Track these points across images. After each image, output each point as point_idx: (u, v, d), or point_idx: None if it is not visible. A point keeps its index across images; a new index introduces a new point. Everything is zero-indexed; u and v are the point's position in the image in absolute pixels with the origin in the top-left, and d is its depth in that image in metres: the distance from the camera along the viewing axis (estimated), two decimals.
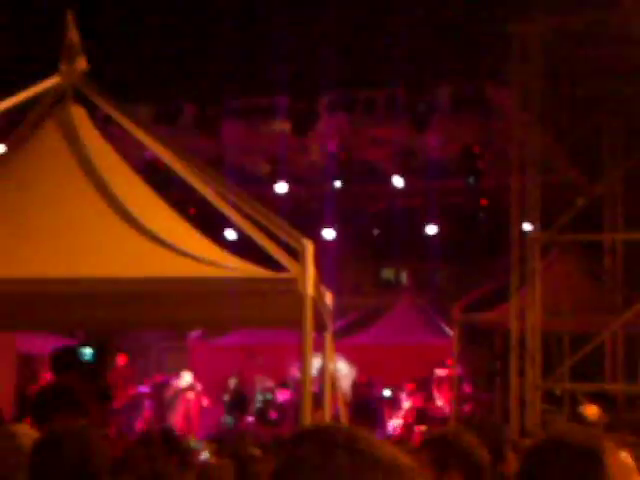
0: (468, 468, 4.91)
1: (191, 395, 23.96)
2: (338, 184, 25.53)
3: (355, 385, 25.52)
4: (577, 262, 24.02)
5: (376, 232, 28.18)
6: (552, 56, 20.93)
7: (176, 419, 22.62)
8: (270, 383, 25.49)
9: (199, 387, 24.14)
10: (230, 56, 21.94)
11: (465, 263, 27.04)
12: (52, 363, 11.45)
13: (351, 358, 25.63)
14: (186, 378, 23.96)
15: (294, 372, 22.29)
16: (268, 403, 25.16)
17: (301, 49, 21.82)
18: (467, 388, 24.56)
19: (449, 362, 24.49)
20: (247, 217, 10.00)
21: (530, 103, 21.26)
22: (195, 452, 12.41)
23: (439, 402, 24.69)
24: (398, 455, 1.99)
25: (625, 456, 3.33)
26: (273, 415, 24.41)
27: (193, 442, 12.99)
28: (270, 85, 22.50)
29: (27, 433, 6.66)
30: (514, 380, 21.46)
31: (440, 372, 25.20)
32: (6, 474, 6.05)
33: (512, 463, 11.42)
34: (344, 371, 22.85)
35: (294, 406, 21.79)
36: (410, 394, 25.12)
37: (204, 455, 12.00)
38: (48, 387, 11.25)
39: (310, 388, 9.27)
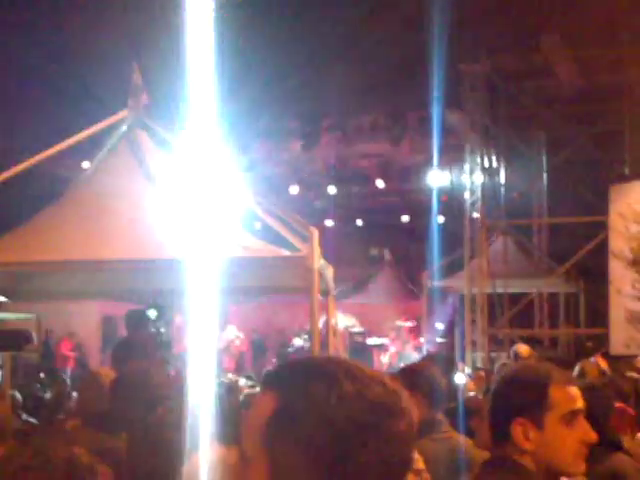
0: (430, 391, 4.87)
1: (238, 342, 23.96)
2: (334, 187, 25.73)
3: (351, 334, 25.45)
4: (513, 241, 24.04)
5: (365, 221, 28.11)
6: (492, 87, 20.97)
7: (228, 363, 22.59)
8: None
9: (242, 336, 24.08)
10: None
11: (430, 242, 26.96)
12: (126, 322, 11.46)
13: (348, 314, 25.63)
14: (232, 330, 23.91)
15: (306, 326, 22.20)
16: (286, 352, 25.06)
17: (307, 87, 21.80)
18: (432, 335, 24.53)
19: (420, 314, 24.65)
20: (269, 213, 10.01)
21: (477, 124, 21.28)
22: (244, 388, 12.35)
23: (411, 345, 24.80)
24: (386, 378, 1.96)
25: (572, 388, 3.30)
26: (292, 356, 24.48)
27: (243, 380, 12.89)
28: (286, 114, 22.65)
29: (107, 374, 6.66)
30: (467, 328, 21.52)
31: (405, 324, 25.43)
32: (92, 403, 6.06)
33: (470, 387, 11.53)
34: (342, 324, 22.78)
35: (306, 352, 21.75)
36: (393, 341, 25.15)
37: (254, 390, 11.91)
38: (123, 340, 11.22)
39: (318, 337, 9.26)
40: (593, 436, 3.13)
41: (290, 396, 1.78)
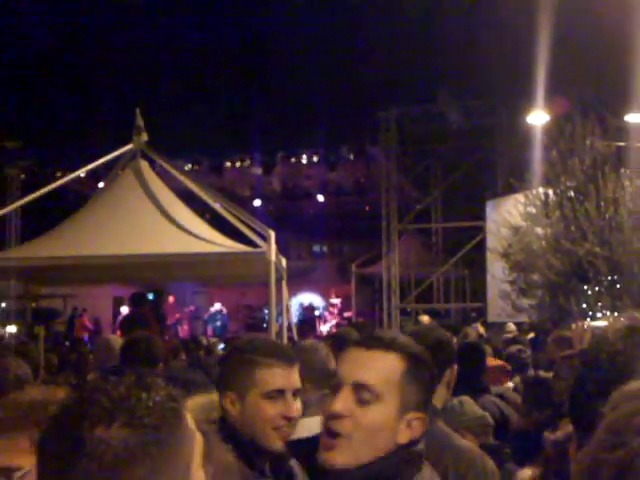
0: None
1: (221, 314, 23.84)
2: (285, 202, 25.87)
3: (302, 308, 25.51)
4: (417, 239, 24.19)
5: (308, 225, 28.14)
6: (402, 129, 21.09)
7: (212, 329, 22.55)
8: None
9: (225, 311, 23.95)
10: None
11: (357, 241, 27.01)
12: (131, 301, 11.45)
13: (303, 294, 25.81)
14: (217, 306, 23.78)
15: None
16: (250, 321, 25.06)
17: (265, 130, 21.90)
18: (359, 310, 24.64)
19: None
20: (238, 219, 10.01)
21: (391, 155, 21.39)
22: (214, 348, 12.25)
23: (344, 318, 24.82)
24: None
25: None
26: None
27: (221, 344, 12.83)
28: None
29: (117, 339, 6.65)
30: (385, 303, 21.60)
31: (337, 301, 25.51)
32: (106, 361, 6.04)
33: None
34: (294, 303, 22.83)
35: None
36: (331, 314, 25.17)
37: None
38: (129, 315, 11.18)
39: (274, 314, 9.36)
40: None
41: (414, 359, 1.94)
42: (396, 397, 1.87)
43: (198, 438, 1.46)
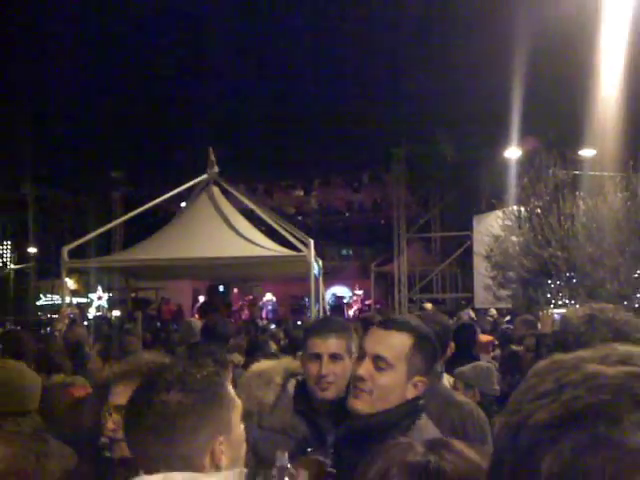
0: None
1: (272, 302, 23.62)
2: (321, 217, 25.81)
3: (334, 297, 25.35)
4: (421, 245, 24.02)
5: (340, 234, 27.98)
6: (409, 161, 21.00)
7: (266, 313, 22.41)
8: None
9: (275, 299, 23.83)
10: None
11: (375, 246, 26.88)
12: (208, 292, 11.51)
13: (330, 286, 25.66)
14: (269, 296, 23.63)
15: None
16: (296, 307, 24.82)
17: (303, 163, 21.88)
18: (377, 299, 24.48)
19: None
20: (285, 230, 10.04)
21: (400, 181, 21.32)
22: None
23: (366, 305, 24.66)
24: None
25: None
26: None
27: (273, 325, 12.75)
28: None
29: (196, 321, 6.66)
30: (396, 294, 21.49)
31: (360, 292, 25.29)
32: (188, 339, 5.89)
33: None
34: (327, 294, 22.72)
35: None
36: (355, 302, 25.04)
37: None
38: (205, 302, 11.25)
39: (313, 301, 9.37)
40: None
41: (420, 336, 2.01)
42: (405, 365, 1.95)
43: (238, 403, 1.62)
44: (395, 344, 1.98)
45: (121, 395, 2.06)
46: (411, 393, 1.97)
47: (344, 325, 2.57)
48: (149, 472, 1.45)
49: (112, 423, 2.07)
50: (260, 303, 23.14)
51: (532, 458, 0.48)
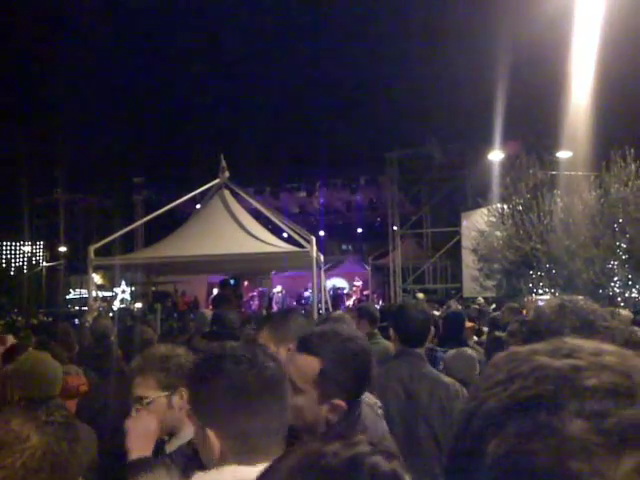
0: (371, 318, 4.61)
1: (281, 294, 23.46)
2: (322, 216, 25.76)
3: (334, 288, 25.27)
4: (413, 240, 23.98)
5: (340, 231, 27.90)
6: (402, 164, 20.94)
7: (275, 304, 22.32)
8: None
9: (284, 291, 23.72)
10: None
11: (372, 242, 26.86)
12: (220, 285, 11.52)
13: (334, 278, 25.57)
14: (278, 288, 23.52)
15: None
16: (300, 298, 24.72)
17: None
18: (374, 290, 24.42)
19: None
20: (290, 228, 10.04)
21: (394, 182, 21.27)
22: None
23: (364, 295, 24.57)
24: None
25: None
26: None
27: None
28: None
29: (208, 312, 6.63)
30: (392, 285, 21.47)
31: (359, 283, 25.17)
32: (202, 327, 5.77)
33: None
34: (329, 285, 22.62)
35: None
36: (354, 293, 24.96)
37: None
38: (218, 294, 11.24)
39: (316, 292, 9.37)
40: None
41: (330, 360, 1.72)
42: (314, 389, 1.71)
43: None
44: (304, 368, 1.73)
45: (140, 387, 2.06)
46: (330, 415, 1.71)
47: (278, 321, 2.34)
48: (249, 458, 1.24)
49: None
50: (270, 294, 23.11)
51: (481, 442, 0.49)
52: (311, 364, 1.73)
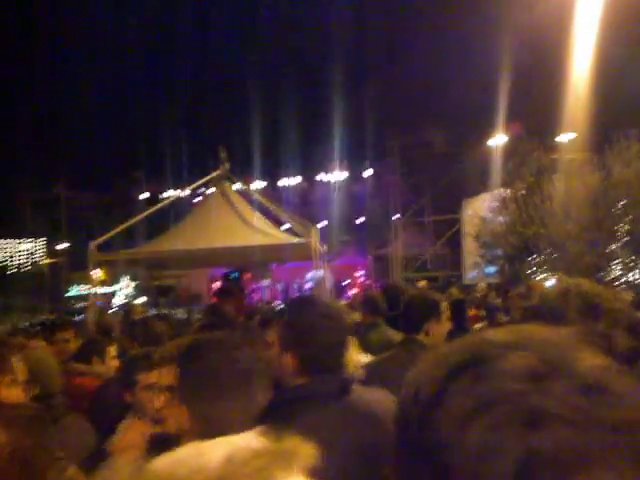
0: (374, 307, 4.50)
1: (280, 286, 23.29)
2: (324, 206, 25.67)
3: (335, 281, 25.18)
4: (415, 228, 23.97)
5: (340, 221, 27.79)
6: (404, 152, 20.87)
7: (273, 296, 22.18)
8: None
9: (284, 283, 23.53)
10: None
11: (374, 231, 26.83)
12: (223, 278, 11.52)
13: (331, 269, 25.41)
14: (282, 283, 23.33)
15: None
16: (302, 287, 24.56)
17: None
18: (376, 279, 24.36)
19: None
20: (291, 218, 10.01)
21: (396, 171, 21.19)
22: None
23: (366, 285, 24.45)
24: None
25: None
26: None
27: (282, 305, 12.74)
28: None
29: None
30: (393, 273, 21.44)
31: (361, 273, 25.06)
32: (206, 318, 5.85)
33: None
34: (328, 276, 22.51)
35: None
36: (355, 284, 24.89)
37: None
38: (220, 287, 11.19)
39: (317, 281, 9.34)
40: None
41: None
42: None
43: None
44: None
45: (170, 376, 2.07)
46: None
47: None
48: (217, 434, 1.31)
49: (161, 401, 2.07)
50: (272, 285, 23.08)
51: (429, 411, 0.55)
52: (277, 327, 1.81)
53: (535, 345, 0.55)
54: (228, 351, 1.39)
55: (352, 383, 1.78)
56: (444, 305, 3.11)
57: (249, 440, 1.31)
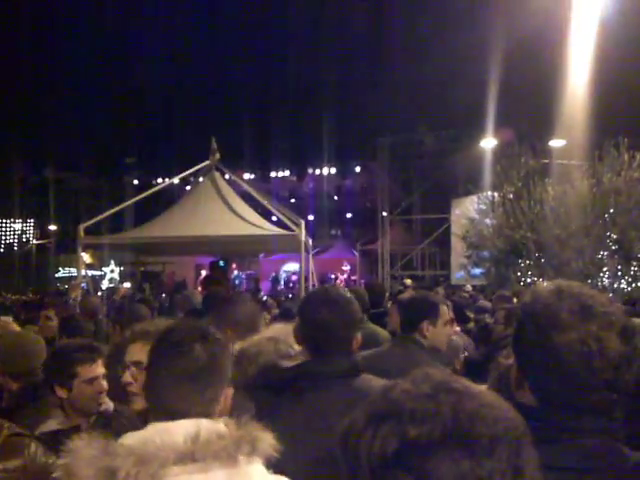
0: (360, 301, 4.48)
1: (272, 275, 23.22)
2: (312, 200, 25.60)
3: (320, 273, 25.19)
4: (402, 226, 23.91)
5: (330, 217, 27.75)
6: (393, 150, 20.82)
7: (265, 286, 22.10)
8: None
9: (274, 273, 23.46)
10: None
11: (361, 227, 26.81)
12: (210, 267, 11.42)
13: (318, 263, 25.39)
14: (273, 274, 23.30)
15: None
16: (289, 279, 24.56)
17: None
18: (362, 275, 24.37)
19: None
20: (279, 211, 9.94)
21: (384, 168, 21.15)
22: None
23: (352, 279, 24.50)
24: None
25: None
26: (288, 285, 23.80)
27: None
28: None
29: (196, 293, 6.56)
30: (380, 270, 21.40)
31: (347, 267, 25.10)
32: (186, 307, 5.67)
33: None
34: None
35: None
36: (342, 276, 24.91)
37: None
38: (207, 276, 11.14)
39: (303, 275, 9.29)
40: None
41: None
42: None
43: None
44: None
45: (140, 352, 2.06)
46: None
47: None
48: (171, 418, 1.33)
49: (129, 376, 2.07)
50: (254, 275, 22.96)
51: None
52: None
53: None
54: (183, 348, 1.41)
55: (359, 367, 1.90)
56: (444, 308, 3.06)
57: (215, 424, 1.32)
